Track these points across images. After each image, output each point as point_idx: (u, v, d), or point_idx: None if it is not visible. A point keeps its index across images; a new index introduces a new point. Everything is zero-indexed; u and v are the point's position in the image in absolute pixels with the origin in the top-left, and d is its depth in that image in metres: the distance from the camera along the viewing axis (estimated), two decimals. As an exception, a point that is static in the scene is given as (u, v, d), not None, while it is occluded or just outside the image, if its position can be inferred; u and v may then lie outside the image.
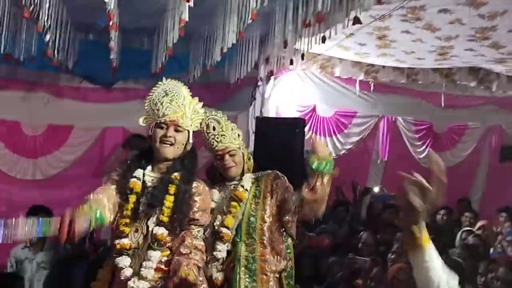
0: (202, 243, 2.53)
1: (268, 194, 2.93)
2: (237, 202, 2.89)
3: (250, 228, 2.89)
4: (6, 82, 5.47)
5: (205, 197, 2.55)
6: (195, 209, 2.47)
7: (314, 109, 6.93)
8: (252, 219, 2.90)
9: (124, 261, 2.39)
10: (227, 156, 2.89)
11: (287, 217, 2.97)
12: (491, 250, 5.24)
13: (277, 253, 2.92)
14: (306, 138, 5.96)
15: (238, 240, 2.86)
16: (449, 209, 6.39)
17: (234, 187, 2.93)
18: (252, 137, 6.24)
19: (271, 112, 6.45)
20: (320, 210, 2.79)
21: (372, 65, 6.55)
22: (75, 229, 1.98)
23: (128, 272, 2.37)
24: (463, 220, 6.07)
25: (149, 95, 2.51)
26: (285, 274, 3.01)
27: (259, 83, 6.30)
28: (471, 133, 7.80)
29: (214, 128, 2.90)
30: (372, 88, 6.87)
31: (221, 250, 2.83)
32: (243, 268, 2.82)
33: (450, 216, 6.18)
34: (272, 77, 6.33)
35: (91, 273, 4.05)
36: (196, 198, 2.48)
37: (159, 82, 2.53)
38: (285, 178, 2.97)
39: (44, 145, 5.54)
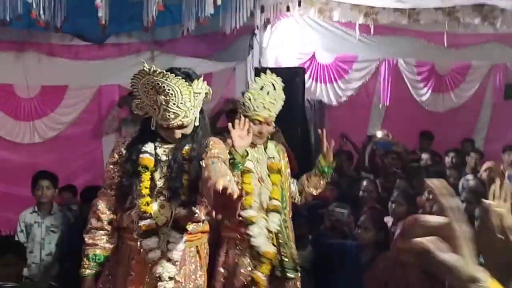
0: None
1: (288, 166, 3.09)
2: (279, 174, 2.94)
3: (284, 197, 2.99)
4: (-4, 44, 5.30)
5: (223, 152, 2.34)
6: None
7: (313, 56, 6.77)
8: (284, 191, 2.98)
9: (151, 243, 2.25)
10: (265, 125, 2.83)
11: None
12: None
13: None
14: (306, 86, 5.85)
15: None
16: (458, 151, 6.31)
17: (267, 157, 2.94)
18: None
19: (270, 61, 6.30)
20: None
21: (372, 7, 6.32)
22: None
23: (155, 254, 2.26)
24: (468, 160, 5.98)
25: (136, 83, 2.20)
26: None
27: (256, 31, 6.10)
28: (474, 72, 7.59)
29: (268, 93, 2.77)
30: (372, 31, 6.65)
31: (275, 222, 2.84)
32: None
33: (459, 158, 6.10)
34: (269, 25, 6.13)
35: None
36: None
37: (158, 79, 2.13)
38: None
39: (39, 107, 5.38)
